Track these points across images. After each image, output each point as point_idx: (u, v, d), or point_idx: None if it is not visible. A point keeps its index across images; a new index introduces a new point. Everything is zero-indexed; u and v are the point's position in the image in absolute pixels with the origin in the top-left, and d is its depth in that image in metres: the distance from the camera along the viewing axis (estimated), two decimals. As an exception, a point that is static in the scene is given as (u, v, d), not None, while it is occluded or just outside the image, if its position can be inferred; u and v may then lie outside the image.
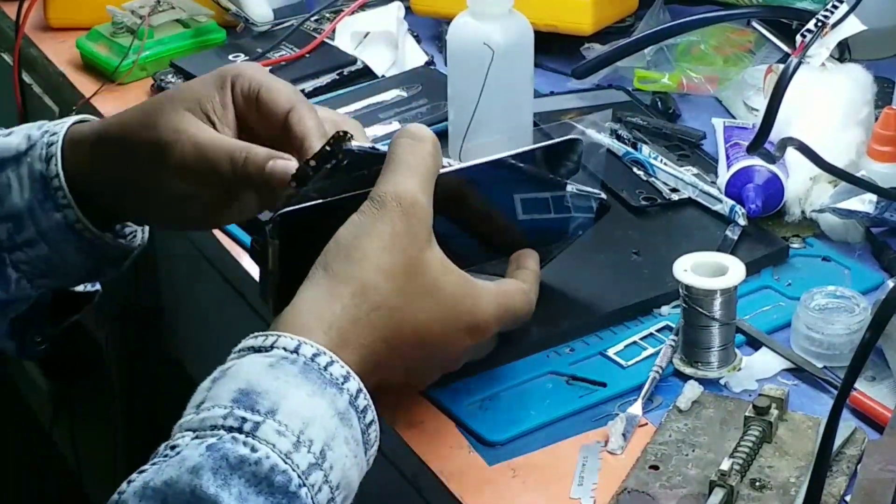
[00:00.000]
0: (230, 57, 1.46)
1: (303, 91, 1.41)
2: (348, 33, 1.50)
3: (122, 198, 0.99)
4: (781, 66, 1.18)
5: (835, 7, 1.21)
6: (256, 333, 0.82)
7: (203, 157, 0.94)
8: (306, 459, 0.77)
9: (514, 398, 1.01)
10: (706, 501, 0.89)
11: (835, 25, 1.21)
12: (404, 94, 1.39)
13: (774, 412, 0.95)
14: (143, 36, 1.49)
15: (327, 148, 0.92)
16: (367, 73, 1.46)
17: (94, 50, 1.52)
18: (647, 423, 0.99)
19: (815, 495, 0.82)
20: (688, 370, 1.02)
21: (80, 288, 1.08)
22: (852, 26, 1.22)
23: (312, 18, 1.54)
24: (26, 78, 1.64)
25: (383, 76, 1.45)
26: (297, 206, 0.91)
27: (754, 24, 1.42)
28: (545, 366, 1.04)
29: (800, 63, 1.17)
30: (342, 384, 0.80)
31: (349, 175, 0.92)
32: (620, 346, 1.06)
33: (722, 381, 1.02)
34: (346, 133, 0.92)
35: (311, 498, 0.76)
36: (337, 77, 1.45)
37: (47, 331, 1.06)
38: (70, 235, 0.99)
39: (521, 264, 1.01)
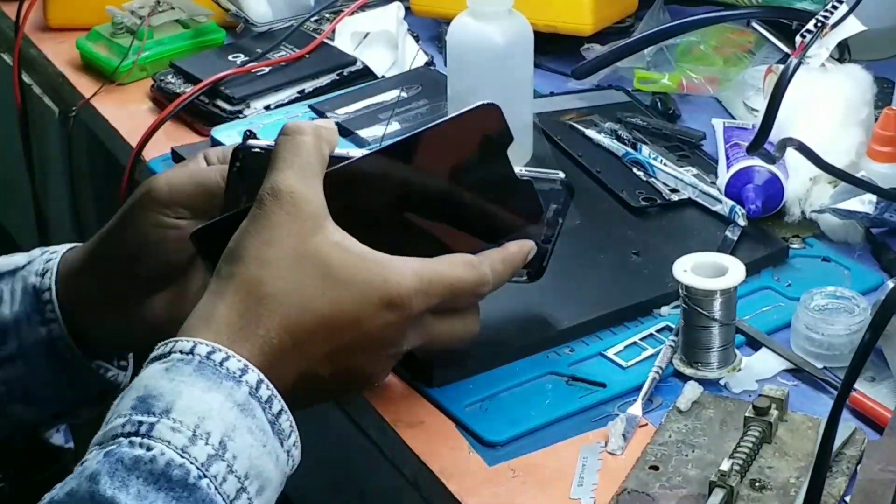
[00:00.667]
0: (230, 57, 1.46)
1: (303, 91, 1.42)
2: (348, 34, 1.50)
3: (109, 312, 0.99)
4: (781, 67, 1.18)
5: (834, 7, 1.21)
6: (159, 344, 0.83)
7: (193, 183, 0.96)
8: (204, 451, 0.77)
9: (514, 398, 1.01)
10: (706, 502, 0.89)
11: (834, 26, 1.21)
12: (404, 94, 1.39)
13: (774, 413, 0.95)
14: (142, 36, 1.49)
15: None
16: (367, 73, 1.46)
17: (94, 50, 1.52)
18: (646, 424, 0.99)
19: (815, 496, 0.82)
20: (688, 371, 1.02)
21: (55, 441, 1.08)
22: (852, 27, 1.22)
23: (312, 19, 1.54)
24: (26, 78, 1.64)
25: (383, 76, 1.45)
26: (208, 222, 0.92)
27: (754, 24, 1.42)
28: (545, 366, 1.04)
29: (799, 63, 1.17)
30: (240, 377, 0.80)
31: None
32: (620, 347, 1.06)
33: (722, 382, 1.02)
34: (250, 133, 0.93)
35: (216, 488, 0.77)
36: (337, 77, 1.45)
37: (9, 474, 1.07)
38: (50, 355, 0.99)
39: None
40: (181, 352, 0.81)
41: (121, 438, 0.77)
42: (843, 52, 1.32)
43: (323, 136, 0.90)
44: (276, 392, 0.81)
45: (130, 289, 0.98)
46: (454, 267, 0.92)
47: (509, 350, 1.04)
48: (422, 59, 1.47)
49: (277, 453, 0.81)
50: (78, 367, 0.99)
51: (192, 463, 0.76)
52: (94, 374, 1.01)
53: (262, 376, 0.81)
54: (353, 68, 1.46)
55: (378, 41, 1.48)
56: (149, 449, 0.76)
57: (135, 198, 0.97)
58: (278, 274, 0.85)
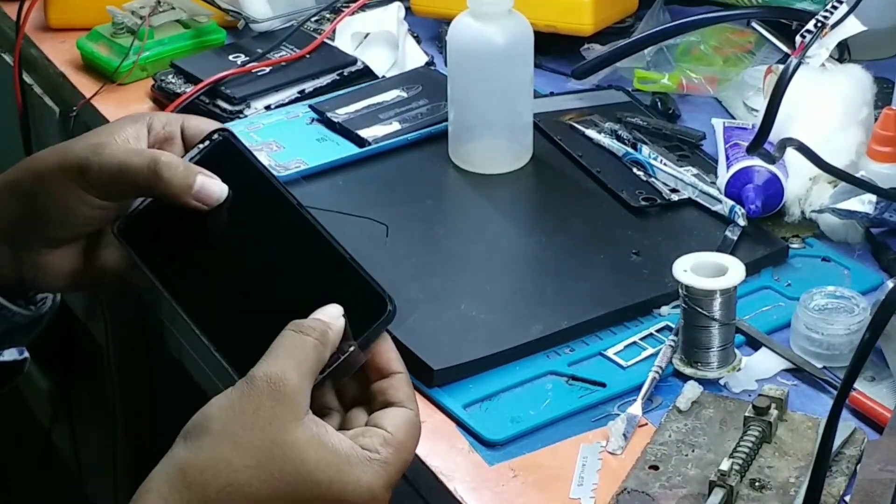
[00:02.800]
0: (230, 57, 1.46)
1: (303, 91, 1.42)
2: (348, 34, 1.50)
3: (27, 250, 0.93)
4: (781, 67, 1.18)
5: (834, 7, 1.21)
6: None
7: (124, 165, 0.89)
8: None
9: (514, 398, 1.01)
10: (706, 502, 0.89)
11: (834, 26, 1.21)
12: (404, 94, 1.39)
13: (774, 412, 0.95)
14: (143, 36, 1.49)
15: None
16: (367, 73, 1.46)
17: (95, 50, 1.52)
18: (646, 424, 0.99)
19: (815, 495, 0.82)
20: (687, 370, 1.02)
21: (5, 358, 1.05)
22: (852, 27, 1.22)
23: (312, 19, 1.54)
24: (27, 78, 1.64)
25: (383, 76, 1.45)
26: (127, 214, 0.90)
27: (754, 24, 1.42)
28: (545, 366, 1.04)
29: (799, 63, 1.17)
30: None
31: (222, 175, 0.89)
32: (620, 347, 1.06)
33: (722, 382, 1.03)
34: (226, 129, 0.91)
35: None
36: (337, 77, 1.45)
37: None
38: None
39: (389, 397, 0.86)
40: None
41: None
42: (843, 52, 1.32)
43: (328, 341, 0.84)
44: None
45: (33, 239, 0.92)
46: (405, 443, 0.84)
47: (509, 350, 1.04)
48: (422, 59, 1.47)
49: None
50: (2, 310, 0.95)
51: None
52: (21, 312, 0.96)
53: None
54: (353, 68, 1.46)
55: (378, 41, 1.48)
56: None
57: (63, 162, 0.91)
58: (251, 463, 0.80)
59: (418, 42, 1.51)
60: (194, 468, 0.80)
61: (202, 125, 0.93)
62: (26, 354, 1.03)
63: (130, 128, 0.92)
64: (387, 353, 0.87)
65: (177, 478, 0.80)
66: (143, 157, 0.89)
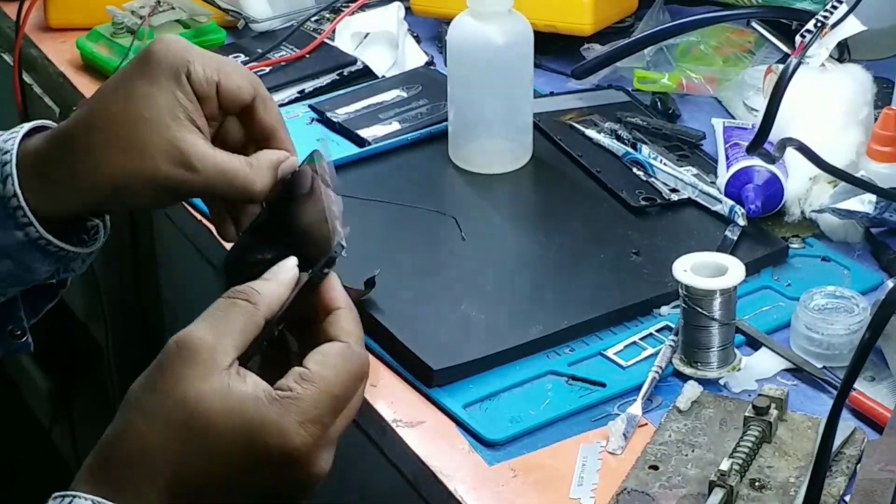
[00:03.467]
0: (230, 57, 1.46)
1: (303, 91, 1.42)
2: (349, 33, 1.50)
3: (79, 191, 0.94)
4: (781, 67, 1.18)
5: (834, 7, 1.21)
6: (54, 494, 0.81)
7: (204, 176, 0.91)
8: None
9: (514, 398, 1.01)
10: (706, 501, 0.89)
11: (834, 26, 1.21)
12: (404, 94, 1.39)
13: (774, 412, 0.95)
14: (143, 36, 1.49)
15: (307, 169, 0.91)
16: (367, 73, 1.46)
17: (95, 50, 1.52)
18: (646, 424, 0.99)
19: (815, 495, 0.82)
20: (687, 370, 1.02)
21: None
22: (852, 27, 1.22)
23: (312, 19, 1.54)
24: (27, 78, 1.64)
25: (383, 76, 1.45)
26: (243, 259, 0.91)
27: (754, 24, 1.42)
28: (545, 366, 1.04)
29: (799, 63, 1.17)
30: None
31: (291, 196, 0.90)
32: (620, 347, 1.06)
33: (721, 382, 1.03)
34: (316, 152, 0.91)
35: None
36: (337, 77, 1.45)
37: (23, 322, 1.04)
38: (34, 250, 0.95)
39: (333, 328, 0.84)
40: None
41: None
42: (843, 52, 1.32)
43: (259, 301, 0.82)
44: None
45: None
46: (338, 380, 0.81)
47: (509, 350, 1.04)
48: (422, 59, 1.47)
49: None
50: (62, 251, 0.95)
51: None
52: (80, 248, 0.97)
53: None
54: (353, 68, 1.46)
55: (378, 41, 1.48)
56: None
57: (154, 184, 0.91)
58: (160, 426, 0.78)
59: (418, 42, 1.51)
60: (109, 446, 0.79)
61: (242, 85, 0.94)
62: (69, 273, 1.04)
63: (181, 109, 0.91)
64: (329, 291, 0.85)
65: (97, 458, 0.80)
66: (239, 179, 0.91)
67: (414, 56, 1.48)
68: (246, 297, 0.82)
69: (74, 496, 0.78)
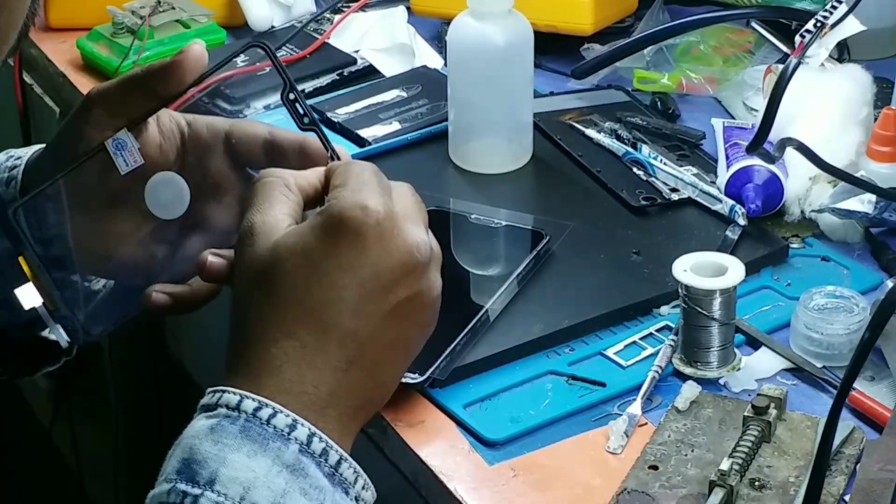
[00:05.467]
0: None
1: (303, 91, 1.42)
2: (355, 38, 1.50)
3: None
4: (781, 67, 1.18)
5: (834, 7, 1.21)
6: (210, 388, 0.80)
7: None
8: None
9: (514, 398, 1.01)
10: (706, 501, 0.89)
11: (834, 26, 1.21)
12: (404, 94, 1.39)
13: (773, 412, 0.95)
14: (143, 36, 1.49)
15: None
16: (367, 73, 1.46)
17: (95, 50, 1.52)
18: (646, 423, 0.99)
19: (815, 495, 0.82)
20: (687, 370, 1.02)
21: (53, 336, 1.04)
22: (851, 27, 1.22)
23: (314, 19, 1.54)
24: (27, 78, 1.64)
25: (384, 77, 1.45)
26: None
27: (754, 24, 1.42)
28: (545, 366, 1.04)
29: (799, 63, 1.17)
30: (288, 434, 0.76)
31: None
32: (620, 346, 1.06)
33: (721, 381, 1.03)
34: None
35: None
36: (337, 77, 1.45)
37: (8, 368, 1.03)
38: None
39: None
40: (227, 406, 0.77)
41: None
42: (843, 52, 1.32)
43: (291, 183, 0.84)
44: (331, 442, 0.78)
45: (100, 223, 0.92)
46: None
47: (509, 350, 1.04)
48: (438, 62, 1.46)
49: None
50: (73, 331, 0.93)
51: None
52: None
53: (313, 429, 0.77)
54: (353, 68, 1.46)
55: (394, 53, 1.48)
56: None
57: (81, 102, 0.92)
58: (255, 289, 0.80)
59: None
60: (282, 339, 0.79)
61: (254, 126, 0.93)
62: (68, 339, 1.03)
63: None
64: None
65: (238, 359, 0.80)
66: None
67: (429, 58, 1.48)
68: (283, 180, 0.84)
69: (243, 398, 0.78)
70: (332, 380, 0.79)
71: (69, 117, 0.92)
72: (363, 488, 0.79)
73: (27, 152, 0.98)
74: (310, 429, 0.77)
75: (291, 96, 0.86)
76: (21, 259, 0.87)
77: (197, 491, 0.75)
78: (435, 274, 0.83)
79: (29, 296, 0.88)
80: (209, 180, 0.92)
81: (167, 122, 0.93)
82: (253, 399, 0.77)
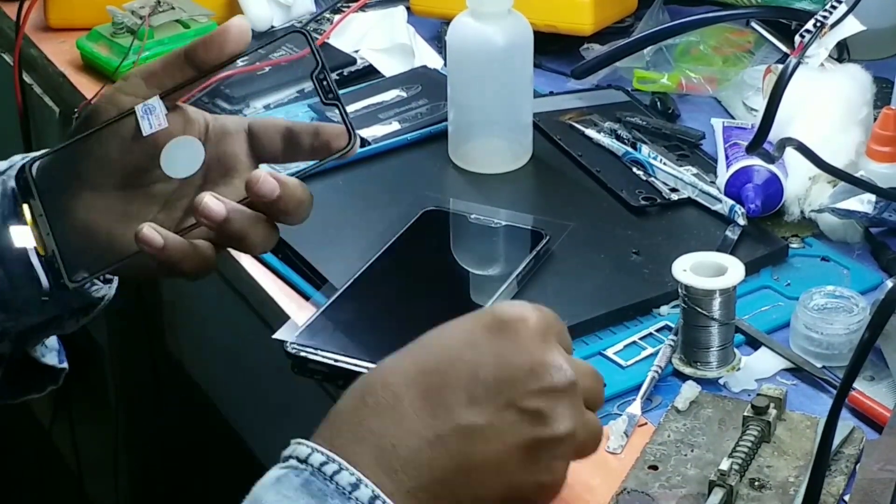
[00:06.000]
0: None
1: (303, 91, 1.42)
2: (355, 38, 1.50)
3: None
4: (780, 67, 1.18)
5: (834, 7, 1.21)
6: (293, 440, 0.79)
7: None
8: None
9: (513, 398, 1.01)
10: (705, 501, 0.89)
11: (834, 26, 1.21)
12: (404, 94, 1.39)
13: (773, 412, 0.95)
14: (143, 36, 1.49)
15: None
16: (367, 73, 1.46)
17: (95, 50, 1.52)
18: (646, 423, 0.99)
19: (815, 495, 0.82)
20: (687, 370, 1.02)
21: (48, 361, 1.03)
22: (851, 26, 1.22)
23: (314, 19, 1.54)
24: (27, 78, 1.64)
25: (383, 77, 1.45)
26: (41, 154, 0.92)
27: (753, 24, 1.42)
28: (545, 366, 1.04)
29: (799, 63, 1.17)
30: (350, 493, 0.74)
31: None
32: (620, 346, 1.06)
33: (721, 381, 1.03)
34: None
35: None
36: (337, 77, 1.45)
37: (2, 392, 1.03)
38: (30, 264, 0.93)
39: None
40: (297, 458, 0.76)
41: None
42: (843, 52, 1.32)
43: None
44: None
45: (107, 196, 0.93)
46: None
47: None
48: (438, 62, 1.46)
49: None
50: (57, 278, 0.93)
51: None
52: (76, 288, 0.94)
53: (377, 491, 0.74)
54: (352, 68, 1.46)
55: (394, 53, 1.48)
56: None
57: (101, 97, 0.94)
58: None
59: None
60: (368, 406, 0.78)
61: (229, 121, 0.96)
62: (65, 364, 1.04)
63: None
64: None
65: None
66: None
67: (429, 58, 1.48)
68: None
69: (313, 451, 0.77)
70: (414, 444, 0.76)
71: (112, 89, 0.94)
72: None
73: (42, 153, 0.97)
74: (373, 490, 0.75)
75: (321, 76, 0.91)
76: (25, 205, 0.91)
77: None
78: (571, 438, 0.79)
79: (22, 237, 0.91)
80: (224, 162, 0.94)
81: (195, 111, 0.95)
82: (322, 453, 0.76)
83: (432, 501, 0.76)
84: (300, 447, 0.77)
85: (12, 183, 0.94)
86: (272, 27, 1.54)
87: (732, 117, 1.36)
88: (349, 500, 0.74)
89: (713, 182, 1.23)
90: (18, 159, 0.97)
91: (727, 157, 1.23)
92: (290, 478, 0.76)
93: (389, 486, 0.75)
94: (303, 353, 1.01)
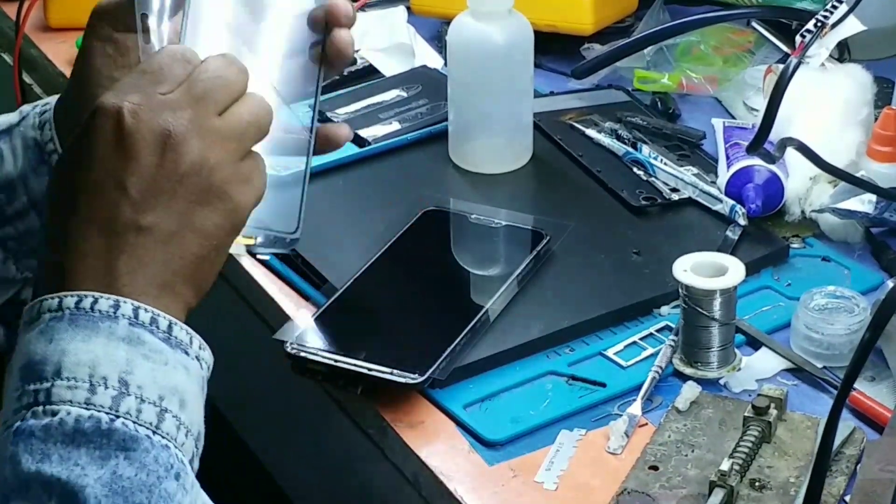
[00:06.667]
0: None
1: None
2: (354, 37, 1.50)
3: None
4: (781, 67, 1.18)
5: (834, 7, 1.21)
6: (25, 308, 0.82)
7: None
8: (107, 396, 0.77)
9: (514, 398, 1.01)
10: (706, 502, 0.89)
11: (834, 25, 1.21)
12: (404, 93, 1.39)
13: (773, 412, 0.95)
14: (143, 36, 1.49)
15: None
16: (367, 73, 1.46)
17: (95, 50, 1.52)
18: (646, 424, 0.99)
19: (815, 495, 0.82)
20: (687, 370, 1.02)
21: None
22: (852, 26, 1.22)
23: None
24: (26, 78, 1.64)
25: (384, 76, 1.45)
26: None
27: (754, 24, 1.42)
28: (545, 366, 1.04)
29: (799, 63, 1.17)
30: (114, 314, 0.79)
31: None
32: (620, 347, 1.06)
33: (721, 382, 1.03)
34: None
35: (133, 422, 0.76)
36: (337, 77, 1.44)
37: None
38: None
39: None
40: (50, 310, 0.80)
41: (23, 412, 0.77)
42: (843, 52, 1.32)
43: None
44: (157, 311, 0.80)
45: None
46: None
47: (509, 350, 1.04)
48: (438, 62, 1.46)
49: (185, 364, 0.80)
50: None
51: (99, 411, 0.76)
52: None
53: (136, 303, 0.80)
54: (353, 68, 1.46)
55: (393, 53, 1.48)
56: (53, 414, 0.76)
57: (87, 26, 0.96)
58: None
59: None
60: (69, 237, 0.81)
61: None
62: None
63: None
64: None
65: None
66: None
67: (429, 58, 1.48)
68: None
69: (61, 298, 0.80)
70: (122, 246, 0.80)
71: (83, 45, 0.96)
72: (200, 348, 0.82)
73: (52, 99, 1.01)
74: (133, 303, 0.79)
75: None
76: None
77: (46, 384, 0.77)
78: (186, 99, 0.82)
79: None
80: None
81: None
82: (72, 295, 0.79)
83: (184, 282, 0.82)
84: (46, 301, 0.80)
85: (32, 133, 0.98)
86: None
87: (733, 117, 1.36)
88: (116, 318, 0.79)
89: (714, 182, 1.23)
90: (29, 109, 1.01)
91: (728, 157, 1.22)
92: (54, 325, 0.79)
93: (143, 298, 0.80)
94: (303, 354, 1.01)
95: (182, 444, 0.78)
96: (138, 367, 0.78)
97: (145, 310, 0.80)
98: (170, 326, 0.81)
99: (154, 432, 0.77)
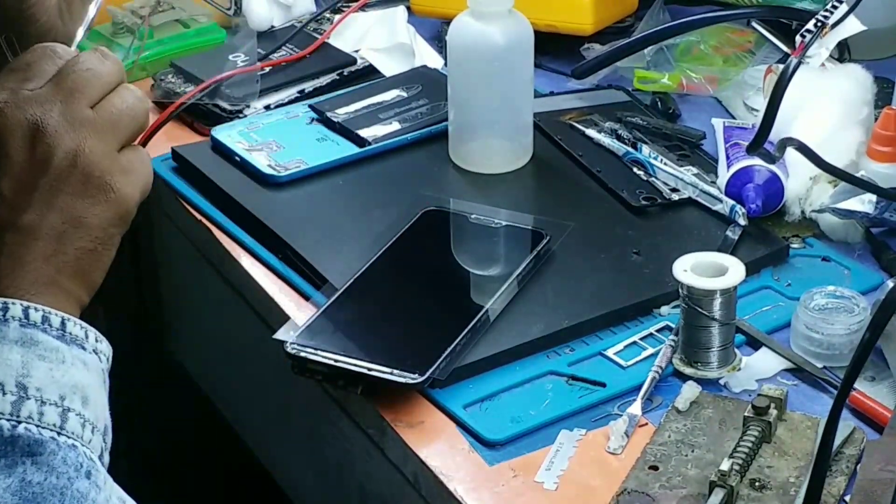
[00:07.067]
0: (230, 57, 1.46)
1: (303, 91, 1.42)
2: (354, 37, 1.50)
3: None
4: (781, 67, 1.18)
5: (834, 7, 1.21)
6: None
7: None
8: (7, 402, 0.75)
9: (514, 398, 1.01)
10: (706, 502, 0.89)
11: (834, 26, 1.21)
12: (404, 93, 1.39)
13: (773, 412, 0.95)
14: (143, 36, 1.49)
15: None
16: (367, 73, 1.46)
17: (95, 50, 1.52)
18: (646, 424, 0.99)
19: (815, 495, 0.82)
20: (687, 370, 1.02)
21: None
22: (852, 26, 1.22)
23: (314, 19, 1.54)
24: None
25: (384, 77, 1.45)
26: None
27: (754, 24, 1.42)
28: (545, 366, 1.04)
29: (799, 63, 1.17)
30: (3, 316, 0.78)
31: None
32: (620, 347, 1.06)
33: (722, 382, 1.03)
34: None
35: (36, 425, 0.75)
36: (337, 77, 1.45)
37: None
38: None
39: None
40: None
41: None
42: (843, 52, 1.32)
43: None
44: (47, 309, 0.79)
45: None
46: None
47: (509, 350, 1.04)
48: (438, 62, 1.46)
49: (83, 359, 0.79)
50: None
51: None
52: None
53: (24, 303, 0.78)
54: (353, 68, 1.46)
55: (393, 53, 1.48)
56: None
57: None
58: None
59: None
60: None
61: None
62: None
63: None
64: None
65: None
66: None
67: (430, 58, 1.48)
68: None
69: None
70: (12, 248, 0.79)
71: None
72: (97, 341, 0.81)
73: None
74: (22, 304, 0.78)
75: None
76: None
77: None
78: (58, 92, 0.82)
79: None
80: None
81: None
82: None
83: (72, 274, 0.81)
84: None
85: None
86: (272, 27, 1.54)
87: (733, 117, 1.36)
88: (7, 321, 0.77)
89: (714, 182, 1.23)
90: None
91: (728, 157, 1.22)
92: None
93: (34, 297, 0.80)
94: (303, 354, 1.01)
95: (89, 441, 0.77)
96: (35, 369, 0.77)
97: (35, 309, 0.79)
98: (63, 323, 0.79)
99: (59, 433, 0.76)
